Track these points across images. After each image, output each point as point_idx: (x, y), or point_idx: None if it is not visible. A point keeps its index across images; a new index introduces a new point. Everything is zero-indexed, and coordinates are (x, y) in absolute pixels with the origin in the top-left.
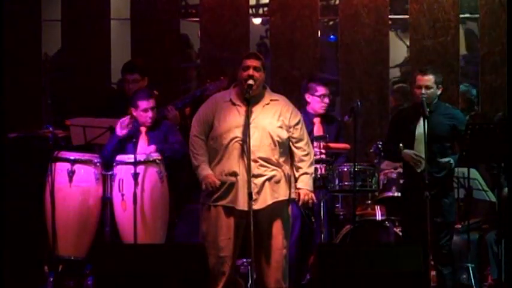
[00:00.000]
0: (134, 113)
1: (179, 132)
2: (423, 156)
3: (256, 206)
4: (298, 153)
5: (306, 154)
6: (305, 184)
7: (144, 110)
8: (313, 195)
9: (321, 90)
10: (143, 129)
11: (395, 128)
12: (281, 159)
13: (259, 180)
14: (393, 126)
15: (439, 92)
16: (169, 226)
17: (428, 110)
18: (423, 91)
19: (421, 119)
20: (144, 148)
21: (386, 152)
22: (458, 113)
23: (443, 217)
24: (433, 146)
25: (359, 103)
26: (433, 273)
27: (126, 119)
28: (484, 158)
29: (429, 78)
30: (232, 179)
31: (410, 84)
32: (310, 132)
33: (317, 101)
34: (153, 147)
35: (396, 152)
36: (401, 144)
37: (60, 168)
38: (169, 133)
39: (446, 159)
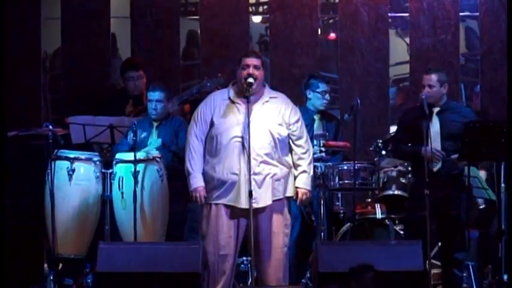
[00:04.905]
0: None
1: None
2: (442, 152)
3: (257, 205)
4: (297, 150)
5: (305, 152)
6: (303, 183)
7: (149, 100)
8: (310, 194)
9: (323, 86)
10: (155, 123)
11: (405, 128)
12: (281, 157)
13: (260, 178)
14: (403, 126)
15: (444, 90)
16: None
17: (438, 109)
18: (426, 90)
19: (434, 117)
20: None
21: (397, 152)
22: (468, 111)
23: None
24: (446, 145)
25: (358, 101)
26: (434, 271)
27: None
28: (482, 156)
29: (431, 78)
30: (233, 177)
31: (410, 83)
32: (309, 129)
33: (318, 97)
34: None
35: (408, 151)
36: (409, 144)
37: (60, 167)
38: (180, 129)
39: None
